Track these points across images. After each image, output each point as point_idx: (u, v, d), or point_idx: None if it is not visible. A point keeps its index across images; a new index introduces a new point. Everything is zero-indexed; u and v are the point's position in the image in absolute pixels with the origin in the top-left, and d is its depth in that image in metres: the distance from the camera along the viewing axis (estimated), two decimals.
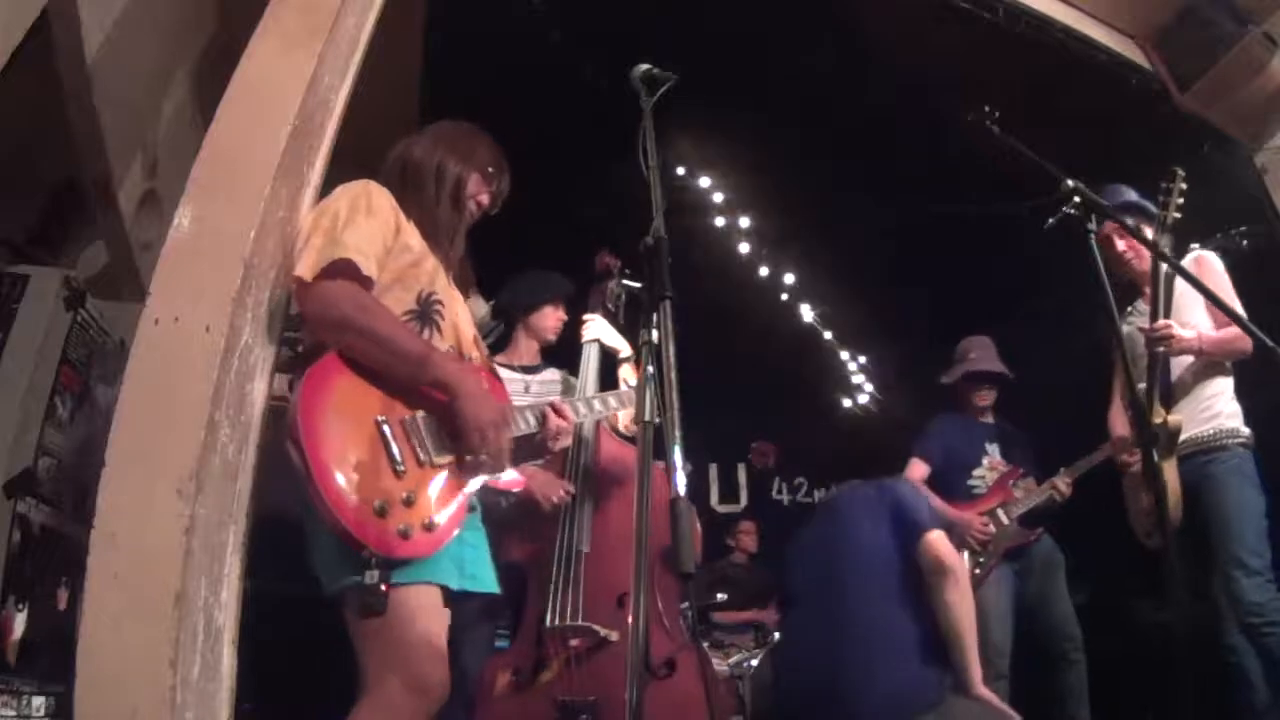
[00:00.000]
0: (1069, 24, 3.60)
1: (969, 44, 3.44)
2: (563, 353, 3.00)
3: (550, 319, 2.96)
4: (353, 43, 2.19)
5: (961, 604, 2.28)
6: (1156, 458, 2.50)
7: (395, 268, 1.74)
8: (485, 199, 1.97)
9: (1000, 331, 3.75)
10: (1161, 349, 2.64)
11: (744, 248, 5.13)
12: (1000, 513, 3.37)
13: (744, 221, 5.03)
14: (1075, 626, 3.24)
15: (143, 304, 1.66)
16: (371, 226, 1.70)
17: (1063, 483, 3.31)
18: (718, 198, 4.82)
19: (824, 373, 6.15)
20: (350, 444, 1.55)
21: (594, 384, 2.72)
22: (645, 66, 1.66)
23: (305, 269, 1.64)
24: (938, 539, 2.34)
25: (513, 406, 1.87)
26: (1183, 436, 2.68)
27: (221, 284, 1.66)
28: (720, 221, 4.99)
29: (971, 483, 3.49)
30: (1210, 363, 2.75)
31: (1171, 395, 2.70)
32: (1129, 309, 3.01)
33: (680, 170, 4.63)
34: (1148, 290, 2.74)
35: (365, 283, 1.66)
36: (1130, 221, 2.73)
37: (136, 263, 2.77)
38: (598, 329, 2.78)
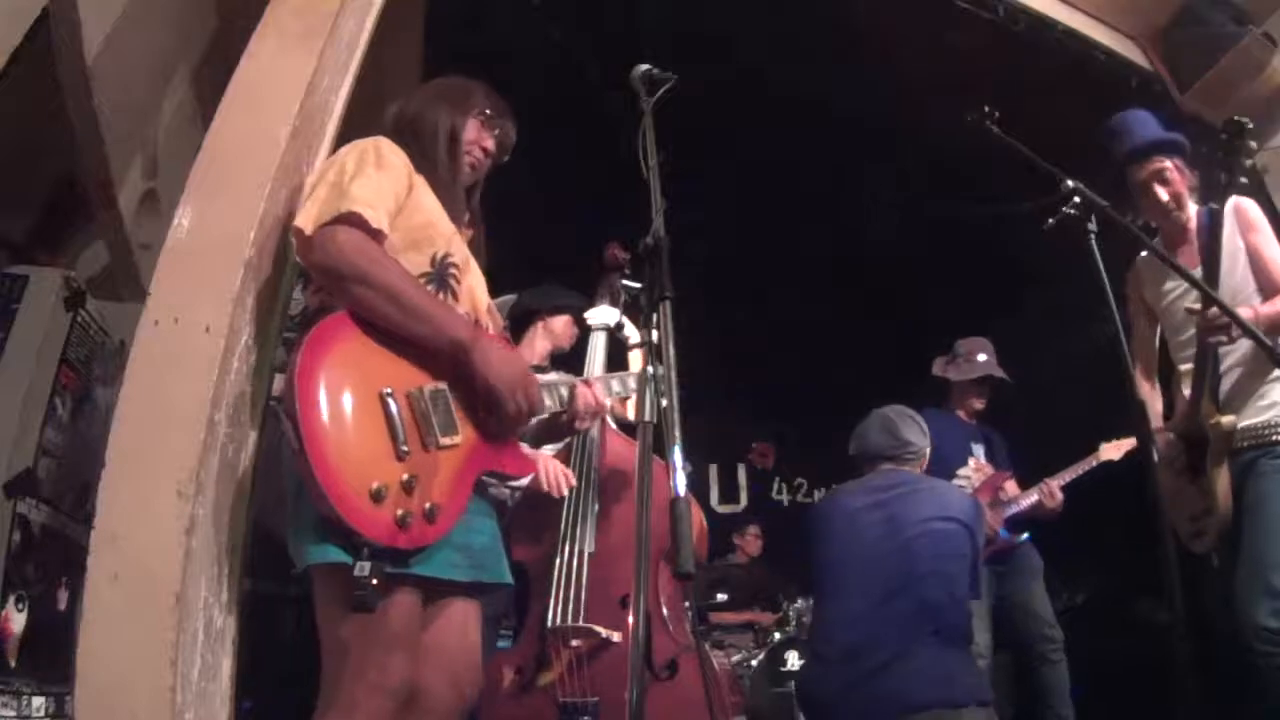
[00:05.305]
0: (1069, 24, 3.60)
1: (969, 44, 3.44)
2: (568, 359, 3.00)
3: (570, 327, 2.97)
4: (353, 43, 2.20)
5: None
6: (1209, 463, 2.25)
7: (407, 228, 1.64)
8: (489, 144, 1.88)
9: (993, 330, 3.73)
10: (1219, 339, 2.17)
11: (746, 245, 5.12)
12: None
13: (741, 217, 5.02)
14: (1055, 628, 3.27)
15: (143, 304, 1.66)
16: (381, 180, 1.61)
17: (1047, 488, 3.30)
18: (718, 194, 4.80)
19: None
20: (351, 417, 1.44)
21: (600, 372, 2.68)
22: (645, 67, 1.66)
23: (307, 220, 1.55)
24: None
25: (540, 382, 1.79)
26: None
27: (221, 284, 1.67)
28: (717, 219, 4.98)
29: (957, 483, 3.45)
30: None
31: (1220, 388, 2.28)
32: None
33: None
34: (1183, 249, 2.41)
35: (375, 236, 1.55)
36: (1169, 162, 2.42)
37: (136, 263, 2.77)
38: (609, 315, 2.71)
